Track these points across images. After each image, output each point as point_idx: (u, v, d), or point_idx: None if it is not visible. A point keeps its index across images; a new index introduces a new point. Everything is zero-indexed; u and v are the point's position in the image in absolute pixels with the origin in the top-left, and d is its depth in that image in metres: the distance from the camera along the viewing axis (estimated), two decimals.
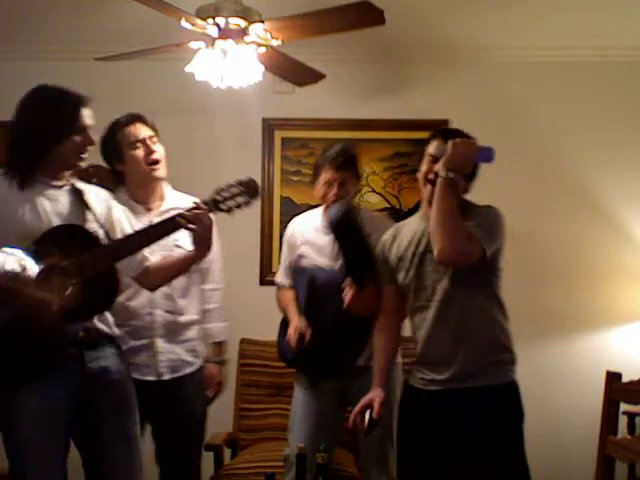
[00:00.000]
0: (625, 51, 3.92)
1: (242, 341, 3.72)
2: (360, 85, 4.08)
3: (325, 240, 2.76)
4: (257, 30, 2.88)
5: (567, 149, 4.01)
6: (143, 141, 2.68)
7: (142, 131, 2.69)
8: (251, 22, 2.85)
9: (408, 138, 4.07)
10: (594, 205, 3.98)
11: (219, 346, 2.92)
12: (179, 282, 2.66)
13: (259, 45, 2.96)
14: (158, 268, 2.38)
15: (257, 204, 4.01)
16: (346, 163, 2.85)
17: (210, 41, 2.91)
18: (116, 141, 2.67)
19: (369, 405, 2.38)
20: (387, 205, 4.04)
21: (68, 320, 2.07)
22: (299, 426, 2.85)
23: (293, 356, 2.82)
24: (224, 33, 2.86)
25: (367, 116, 4.07)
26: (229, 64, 2.90)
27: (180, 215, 2.21)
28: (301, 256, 2.92)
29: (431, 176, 2.34)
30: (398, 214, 4.02)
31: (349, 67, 4.02)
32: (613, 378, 3.19)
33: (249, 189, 2.29)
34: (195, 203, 2.25)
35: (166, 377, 2.68)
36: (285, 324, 2.89)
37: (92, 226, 2.18)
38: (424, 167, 2.40)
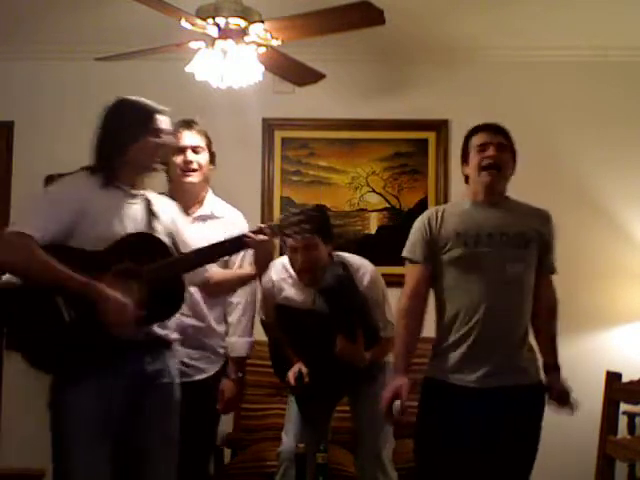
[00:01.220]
0: (625, 51, 3.92)
1: None
2: (360, 85, 4.08)
3: (299, 297, 2.85)
4: (257, 30, 2.88)
5: (567, 149, 4.01)
6: (184, 149, 2.75)
7: (188, 139, 2.77)
8: (251, 22, 2.85)
9: (408, 138, 4.07)
10: (594, 205, 3.98)
11: (238, 361, 2.83)
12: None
13: (259, 45, 2.96)
14: (219, 281, 2.50)
15: (257, 204, 4.06)
16: (313, 230, 2.53)
17: (210, 41, 2.91)
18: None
19: (397, 394, 2.34)
20: (387, 205, 4.04)
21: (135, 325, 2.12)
22: (288, 426, 2.89)
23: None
24: (224, 33, 2.86)
25: (367, 116, 4.07)
26: (229, 64, 2.90)
27: (246, 236, 2.29)
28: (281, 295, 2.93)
29: (485, 162, 2.43)
30: (398, 214, 4.03)
31: (349, 67, 4.02)
32: (613, 378, 3.18)
33: (313, 219, 2.33)
34: (261, 227, 2.32)
35: (176, 381, 2.66)
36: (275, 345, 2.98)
37: (160, 236, 2.26)
38: (476, 158, 2.46)
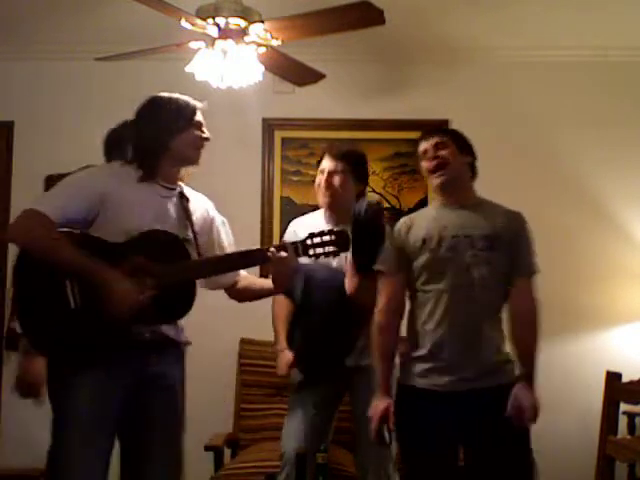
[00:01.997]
0: (625, 51, 3.92)
1: (242, 341, 3.73)
2: (360, 85, 4.08)
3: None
4: (257, 30, 2.88)
5: (567, 149, 4.01)
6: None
7: None
8: (251, 22, 2.85)
9: (408, 138, 4.06)
10: (594, 205, 3.98)
11: None
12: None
13: (259, 45, 2.96)
14: (245, 288, 2.47)
15: (257, 204, 4.06)
16: (344, 155, 2.82)
17: (210, 41, 2.91)
18: None
19: (384, 417, 2.36)
20: (387, 205, 4.03)
21: (136, 320, 2.10)
22: (288, 427, 2.86)
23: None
24: (224, 33, 2.86)
25: (367, 116, 4.07)
26: (229, 64, 2.90)
27: (269, 250, 2.27)
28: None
29: (430, 166, 2.44)
30: (398, 214, 4.02)
31: (349, 67, 4.02)
32: (613, 378, 3.19)
33: (340, 241, 2.30)
34: (286, 244, 2.31)
35: None
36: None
37: (187, 235, 2.26)
38: (423, 166, 2.47)
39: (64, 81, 4.00)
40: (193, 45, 2.98)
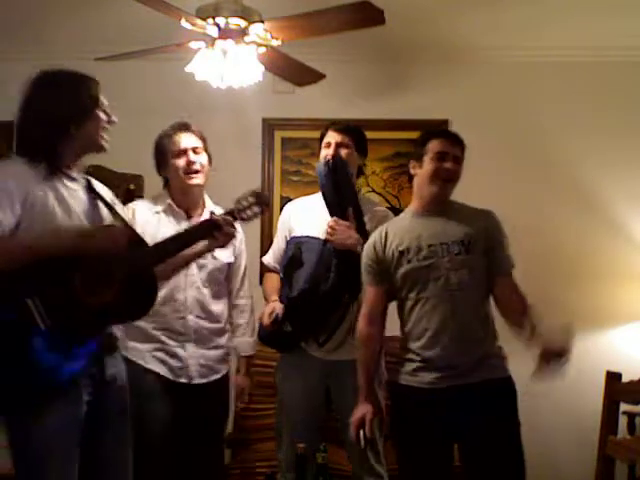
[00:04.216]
0: (625, 51, 3.92)
1: None
2: (360, 85, 4.08)
3: (316, 214, 2.83)
4: (257, 30, 2.88)
5: (567, 149, 4.01)
6: (185, 151, 2.75)
7: (186, 141, 2.77)
8: (251, 22, 2.85)
9: (408, 138, 4.04)
10: (594, 205, 3.98)
11: (247, 359, 2.97)
12: (211, 289, 2.76)
13: (259, 45, 2.96)
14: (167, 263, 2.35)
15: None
16: (348, 129, 2.89)
17: (210, 41, 2.91)
18: (164, 149, 2.77)
19: (362, 422, 2.41)
20: (387, 205, 4.02)
21: (108, 322, 2.07)
22: (290, 426, 2.86)
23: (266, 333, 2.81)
24: (224, 33, 2.86)
25: (367, 116, 4.06)
26: (229, 64, 2.90)
27: (215, 222, 2.32)
28: (291, 235, 2.92)
29: (445, 175, 2.44)
30: (398, 214, 4.02)
31: (349, 67, 4.02)
32: (613, 378, 3.18)
33: (259, 199, 2.42)
34: (218, 215, 2.36)
35: (196, 381, 2.72)
36: None
37: (107, 219, 2.16)
38: (433, 165, 2.46)
39: None
40: (193, 45, 2.98)
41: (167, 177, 2.81)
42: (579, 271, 3.94)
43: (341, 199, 2.74)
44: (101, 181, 2.29)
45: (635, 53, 3.93)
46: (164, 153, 2.77)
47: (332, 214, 2.74)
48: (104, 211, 2.15)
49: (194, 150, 2.77)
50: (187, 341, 2.71)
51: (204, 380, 2.74)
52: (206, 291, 2.75)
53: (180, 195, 2.79)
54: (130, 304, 2.08)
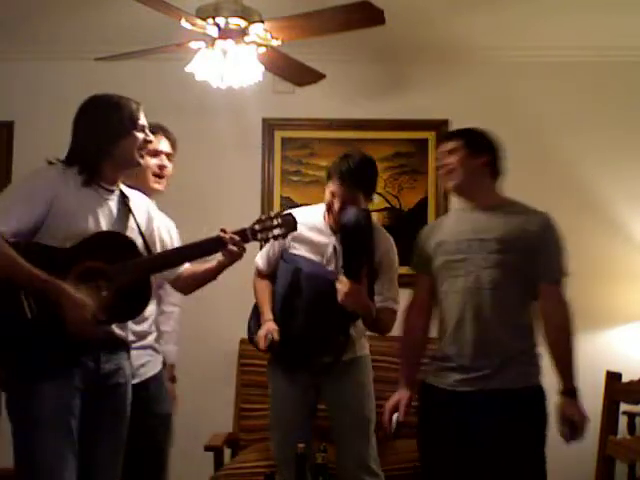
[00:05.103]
0: (625, 51, 3.92)
1: (242, 341, 3.72)
2: (360, 85, 4.08)
3: (320, 239, 2.80)
4: (257, 30, 2.88)
5: (567, 149, 4.01)
6: (159, 154, 2.74)
7: (162, 144, 2.75)
8: (251, 22, 2.85)
9: (408, 138, 4.07)
10: (594, 205, 3.98)
11: (171, 367, 2.95)
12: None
13: (259, 45, 2.96)
14: (190, 275, 2.43)
15: (257, 204, 4.06)
16: (357, 183, 2.75)
17: (210, 41, 2.91)
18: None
19: (396, 407, 2.41)
20: (387, 205, 4.03)
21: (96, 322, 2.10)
22: (278, 425, 2.88)
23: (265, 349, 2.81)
24: (224, 33, 2.86)
25: (367, 116, 4.07)
26: (229, 64, 2.90)
27: (222, 239, 2.27)
28: (290, 250, 2.87)
29: (440, 172, 2.51)
30: (398, 214, 4.03)
31: (349, 67, 4.02)
32: (613, 378, 3.19)
33: (287, 224, 2.35)
34: (228, 232, 2.29)
35: (135, 381, 2.60)
36: (257, 309, 2.91)
37: (133, 234, 2.24)
38: (451, 159, 2.47)
39: (64, 81, 4.00)
40: (193, 45, 2.98)
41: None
42: (578, 271, 3.91)
43: (359, 257, 2.65)
44: None
45: (635, 53, 3.93)
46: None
47: (346, 268, 2.64)
48: (131, 223, 2.26)
49: (167, 156, 2.76)
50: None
51: (142, 378, 2.64)
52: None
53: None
54: (120, 308, 2.13)
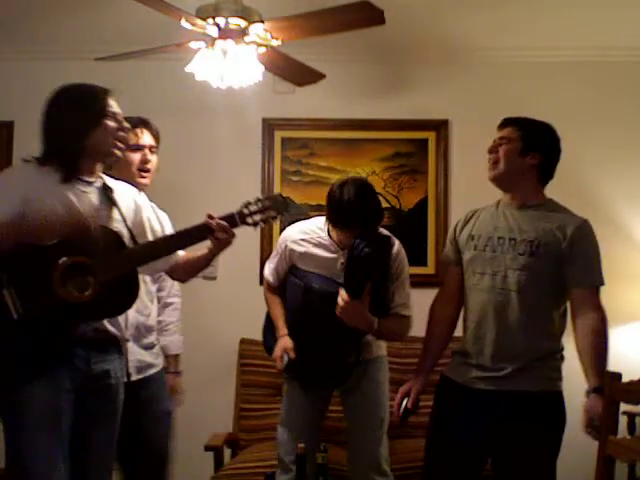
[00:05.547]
0: (625, 51, 3.92)
1: (242, 341, 3.73)
2: (360, 85, 4.08)
3: (327, 255, 2.74)
4: (257, 30, 2.88)
5: (567, 149, 3.96)
6: (143, 147, 2.73)
7: (145, 138, 2.75)
8: (251, 22, 2.85)
9: (408, 138, 4.07)
10: (594, 205, 3.97)
11: (176, 358, 2.96)
12: (148, 286, 2.70)
13: (259, 45, 2.96)
14: (185, 262, 2.39)
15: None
16: (356, 222, 2.57)
17: (210, 41, 2.91)
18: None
19: (408, 393, 2.42)
20: (387, 205, 4.03)
21: (82, 318, 2.09)
22: (289, 425, 2.87)
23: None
24: (224, 33, 2.86)
25: (367, 116, 4.07)
26: (229, 64, 2.89)
27: (208, 226, 2.21)
28: (299, 265, 2.83)
29: (488, 159, 2.43)
30: (398, 214, 4.03)
31: (349, 67, 4.02)
32: (613, 378, 3.18)
33: (277, 204, 2.28)
34: (223, 217, 2.24)
35: (134, 378, 2.64)
36: (270, 319, 2.91)
37: (117, 226, 2.20)
38: (501, 149, 2.41)
39: (64, 81, 3.97)
40: (193, 45, 2.98)
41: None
42: None
43: (362, 280, 2.54)
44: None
45: (635, 53, 3.93)
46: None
47: (346, 285, 2.56)
48: (115, 214, 2.21)
49: (150, 149, 2.75)
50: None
51: (142, 376, 2.67)
52: (144, 287, 2.62)
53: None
54: (107, 303, 2.10)
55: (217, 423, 3.63)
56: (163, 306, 2.88)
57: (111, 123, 2.18)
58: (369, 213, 2.58)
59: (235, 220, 2.24)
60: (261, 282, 4.06)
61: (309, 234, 2.79)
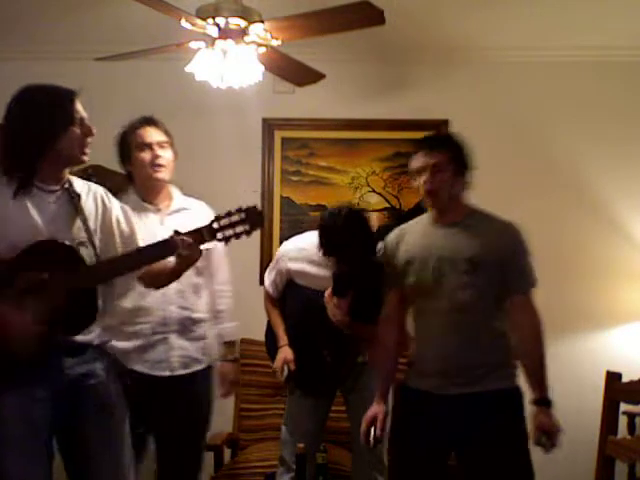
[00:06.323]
0: (625, 51, 3.92)
1: (242, 341, 3.72)
2: (360, 85, 4.07)
3: (320, 272, 2.79)
4: (257, 30, 2.87)
5: (567, 149, 4.01)
6: (150, 145, 2.73)
7: (152, 135, 2.75)
8: (251, 22, 2.85)
9: (408, 138, 4.06)
10: (594, 205, 3.98)
11: (231, 345, 2.95)
12: (190, 279, 2.68)
13: (259, 45, 2.96)
14: (155, 274, 2.30)
15: (257, 204, 4.05)
16: (340, 254, 2.63)
17: (210, 41, 2.90)
18: (127, 142, 2.74)
19: (373, 421, 2.40)
20: (387, 205, 4.03)
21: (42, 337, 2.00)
22: (293, 426, 2.89)
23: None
24: (224, 33, 2.85)
25: (367, 116, 4.07)
26: (229, 64, 2.89)
27: (171, 243, 2.11)
28: (296, 281, 2.92)
29: (423, 188, 2.39)
30: (398, 214, 4.03)
31: (349, 67, 4.02)
32: (613, 378, 3.18)
33: (251, 217, 2.17)
34: (190, 232, 2.14)
35: (179, 372, 2.69)
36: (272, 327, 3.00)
37: (81, 234, 2.10)
38: (417, 182, 2.43)
39: (63, 81, 3.96)
40: (193, 45, 2.98)
41: (130, 171, 2.77)
42: (579, 271, 3.94)
43: (347, 281, 2.62)
44: (103, 181, 2.28)
45: (635, 53, 3.93)
46: (127, 146, 2.73)
47: (334, 288, 2.63)
48: (78, 222, 2.10)
49: (160, 145, 2.75)
50: (169, 332, 2.68)
51: (188, 370, 2.70)
52: (186, 280, 2.60)
53: (145, 189, 2.76)
54: (65, 321, 2.02)
55: (217, 423, 3.62)
56: (212, 293, 2.87)
57: (77, 130, 2.08)
58: (354, 247, 2.59)
59: (202, 236, 2.14)
60: (261, 282, 4.06)
61: (305, 250, 2.87)
